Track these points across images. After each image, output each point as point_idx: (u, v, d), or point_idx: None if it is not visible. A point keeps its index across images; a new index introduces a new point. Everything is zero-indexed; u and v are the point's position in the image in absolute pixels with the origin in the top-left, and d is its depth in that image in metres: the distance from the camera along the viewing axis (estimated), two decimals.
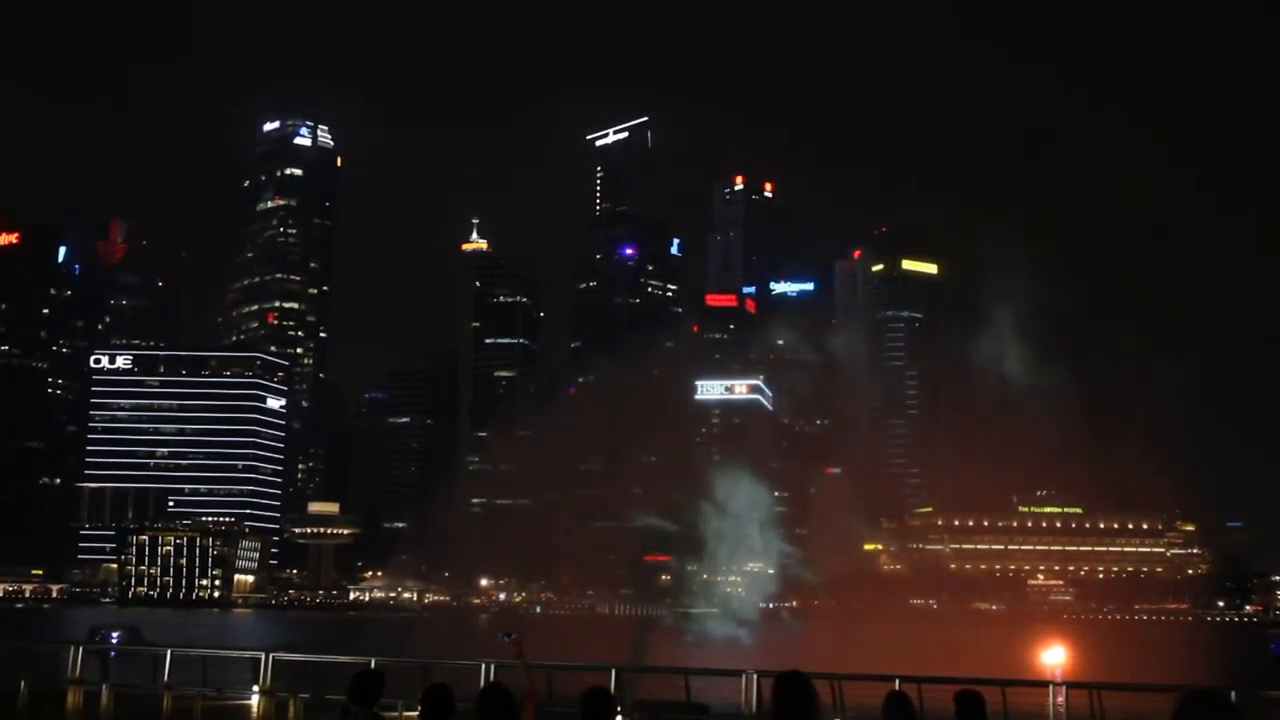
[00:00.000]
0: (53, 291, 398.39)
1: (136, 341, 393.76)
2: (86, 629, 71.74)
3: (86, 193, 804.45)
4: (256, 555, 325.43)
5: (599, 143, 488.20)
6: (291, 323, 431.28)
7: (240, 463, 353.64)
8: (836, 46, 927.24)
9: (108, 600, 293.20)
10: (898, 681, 26.64)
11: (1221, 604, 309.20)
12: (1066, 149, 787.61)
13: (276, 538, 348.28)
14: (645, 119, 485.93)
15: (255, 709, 33.15)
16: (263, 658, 33.61)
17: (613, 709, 9.79)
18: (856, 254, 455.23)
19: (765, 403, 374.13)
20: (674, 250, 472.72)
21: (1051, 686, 30.16)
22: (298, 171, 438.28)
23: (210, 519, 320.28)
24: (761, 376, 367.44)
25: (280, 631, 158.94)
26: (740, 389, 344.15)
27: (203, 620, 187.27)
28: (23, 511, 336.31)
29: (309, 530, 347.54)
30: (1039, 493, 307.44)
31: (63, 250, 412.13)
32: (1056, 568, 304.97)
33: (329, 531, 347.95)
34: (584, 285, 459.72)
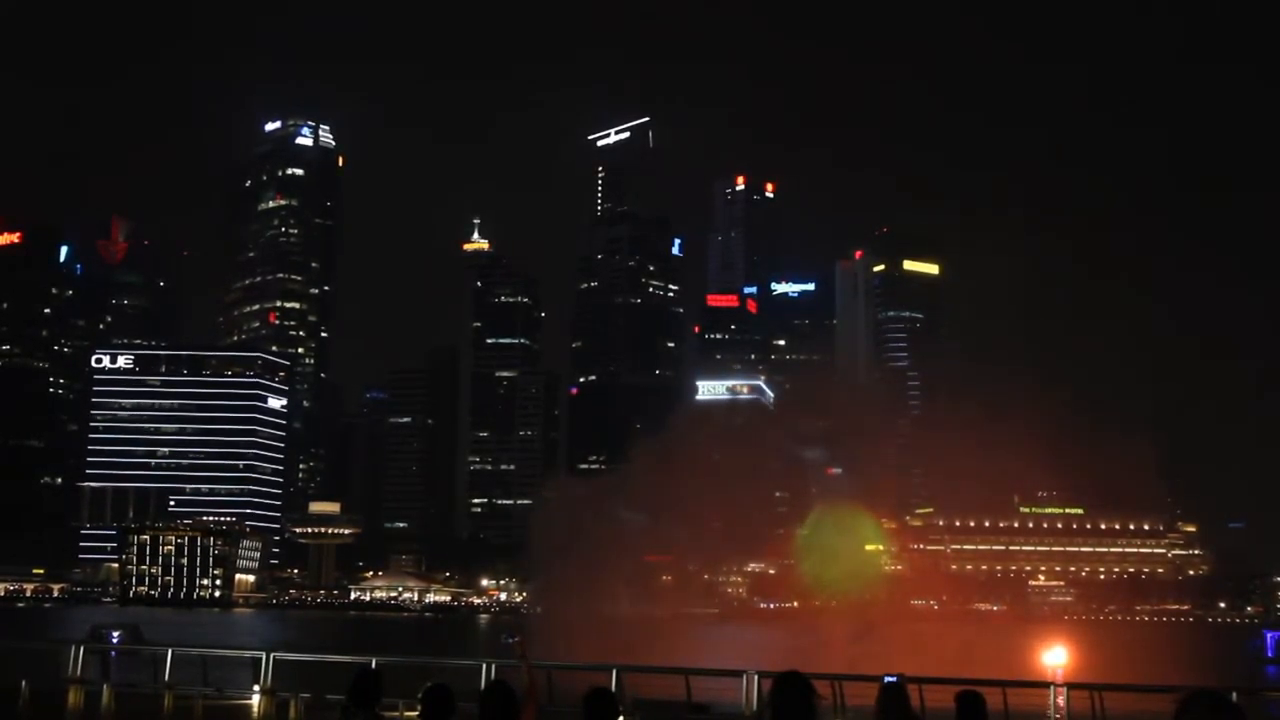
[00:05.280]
0: (54, 291, 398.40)
1: (138, 341, 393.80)
2: (87, 628, 71.79)
3: (87, 192, 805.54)
4: (257, 555, 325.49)
5: (600, 143, 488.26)
6: (293, 322, 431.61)
7: (241, 462, 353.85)
8: (838, 47, 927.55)
9: (109, 600, 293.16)
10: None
11: (1223, 605, 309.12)
12: (1068, 149, 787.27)
13: (277, 537, 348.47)
14: (646, 119, 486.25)
15: (256, 709, 33.15)
16: (263, 657, 33.59)
17: (616, 709, 9.77)
18: (857, 254, 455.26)
19: (766, 403, 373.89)
20: (675, 250, 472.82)
21: (1053, 687, 30.15)
22: (299, 171, 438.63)
23: (211, 518, 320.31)
24: (763, 377, 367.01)
25: (281, 631, 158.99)
26: (741, 389, 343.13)
27: (203, 620, 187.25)
28: (24, 511, 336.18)
29: (310, 530, 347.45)
30: (1040, 493, 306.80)
31: (64, 249, 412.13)
32: (1058, 568, 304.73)
33: (330, 531, 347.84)
34: (585, 285, 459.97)
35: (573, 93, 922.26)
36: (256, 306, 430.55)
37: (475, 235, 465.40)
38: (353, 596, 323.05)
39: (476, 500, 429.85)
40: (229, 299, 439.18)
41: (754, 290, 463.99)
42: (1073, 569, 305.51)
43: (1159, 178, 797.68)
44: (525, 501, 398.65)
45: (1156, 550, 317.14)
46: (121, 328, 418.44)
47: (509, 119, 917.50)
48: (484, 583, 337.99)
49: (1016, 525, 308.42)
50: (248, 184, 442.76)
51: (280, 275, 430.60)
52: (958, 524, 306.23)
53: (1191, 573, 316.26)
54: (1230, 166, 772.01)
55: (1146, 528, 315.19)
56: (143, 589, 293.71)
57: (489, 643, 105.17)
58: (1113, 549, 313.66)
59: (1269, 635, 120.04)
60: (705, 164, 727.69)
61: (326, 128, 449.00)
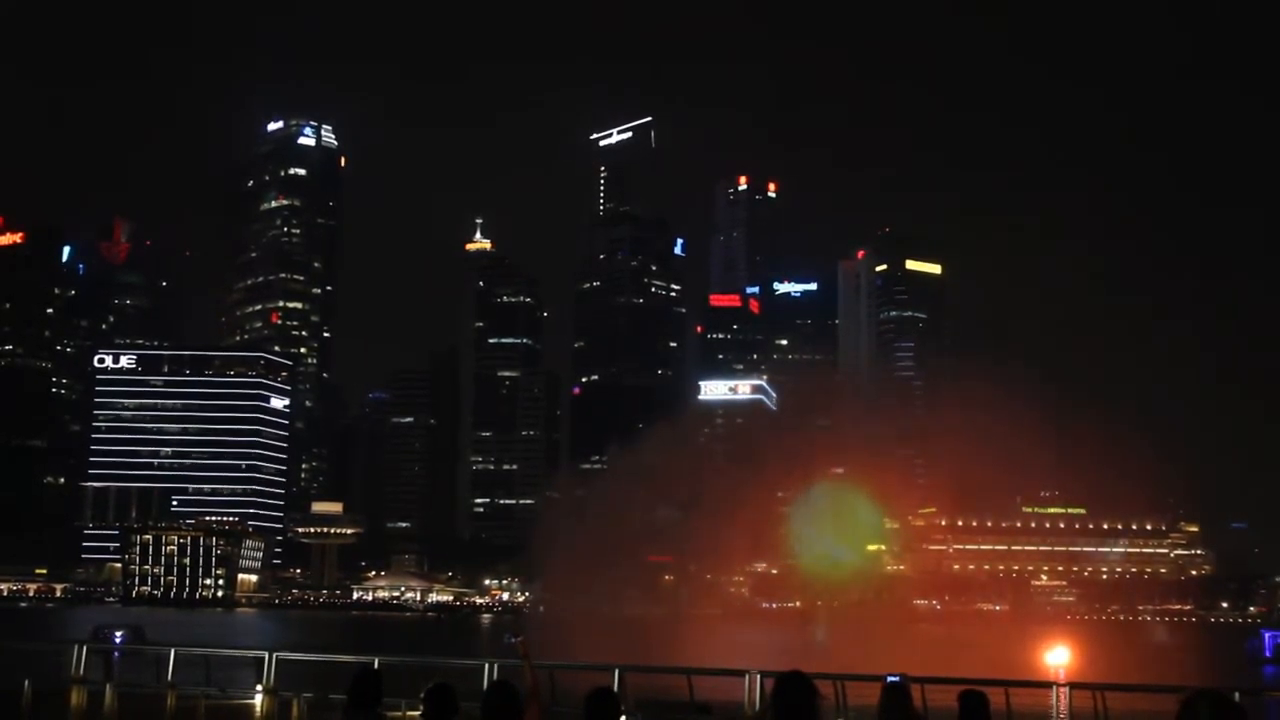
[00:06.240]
0: (56, 291, 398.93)
1: (140, 341, 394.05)
2: (90, 628, 71.84)
3: (90, 193, 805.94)
4: (260, 555, 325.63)
5: (602, 143, 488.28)
6: (295, 322, 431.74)
7: (244, 462, 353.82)
8: (840, 47, 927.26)
9: (111, 600, 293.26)
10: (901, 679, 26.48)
11: (1225, 605, 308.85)
12: (1068, 149, 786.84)
13: (280, 537, 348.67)
14: (649, 119, 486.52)
15: (258, 708, 33.14)
16: (266, 657, 33.58)
17: (618, 708, 9.76)
18: (860, 254, 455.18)
19: (768, 403, 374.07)
20: (677, 250, 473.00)
21: (1055, 687, 30.09)
22: (301, 171, 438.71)
23: (214, 518, 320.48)
24: (765, 377, 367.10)
25: (283, 631, 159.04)
26: (744, 389, 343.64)
27: (206, 620, 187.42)
28: (26, 511, 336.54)
29: (312, 530, 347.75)
30: (1042, 493, 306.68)
31: (66, 250, 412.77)
32: (1060, 568, 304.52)
33: (332, 531, 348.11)
34: (587, 285, 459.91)
35: (573, 93, 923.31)
36: (259, 306, 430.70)
37: (477, 235, 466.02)
38: (355, 596, 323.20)
39: (479, 500, 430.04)
40: (231, 299, 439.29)
41: (756, 290, 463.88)
42: (1075, 569, 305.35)
43: (1160, 177, 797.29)
44: (528, 501, 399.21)
45: (1159, 550, 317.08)
46: (124, 328, 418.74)
47: (510, 119, 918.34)
48: (486, 583, 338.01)
49: (1019, 525, 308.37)
50: (249, 184, 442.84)
51: (282, 275, 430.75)
52: (960, 524, 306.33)
53: (1194, 573, 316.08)
54: (1230, 167, 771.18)
55: (1149, 528, 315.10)
56: (145, 589, 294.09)
57: (491, 643, 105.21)
58: (1115, 549, 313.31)
59: (1267, 636, 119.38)
60: (707, 164, 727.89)
61: (329, 128, 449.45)
